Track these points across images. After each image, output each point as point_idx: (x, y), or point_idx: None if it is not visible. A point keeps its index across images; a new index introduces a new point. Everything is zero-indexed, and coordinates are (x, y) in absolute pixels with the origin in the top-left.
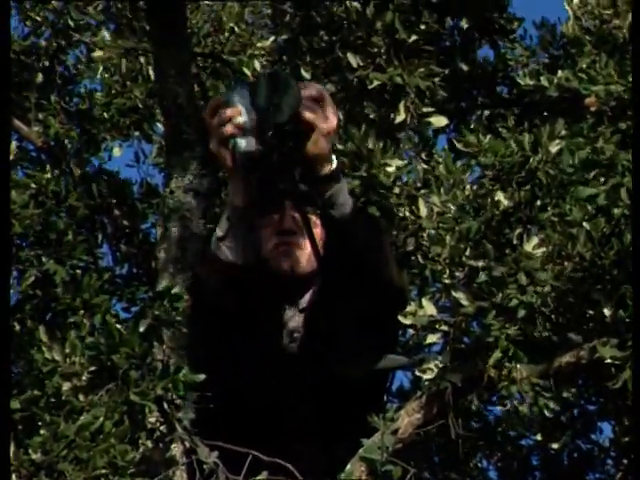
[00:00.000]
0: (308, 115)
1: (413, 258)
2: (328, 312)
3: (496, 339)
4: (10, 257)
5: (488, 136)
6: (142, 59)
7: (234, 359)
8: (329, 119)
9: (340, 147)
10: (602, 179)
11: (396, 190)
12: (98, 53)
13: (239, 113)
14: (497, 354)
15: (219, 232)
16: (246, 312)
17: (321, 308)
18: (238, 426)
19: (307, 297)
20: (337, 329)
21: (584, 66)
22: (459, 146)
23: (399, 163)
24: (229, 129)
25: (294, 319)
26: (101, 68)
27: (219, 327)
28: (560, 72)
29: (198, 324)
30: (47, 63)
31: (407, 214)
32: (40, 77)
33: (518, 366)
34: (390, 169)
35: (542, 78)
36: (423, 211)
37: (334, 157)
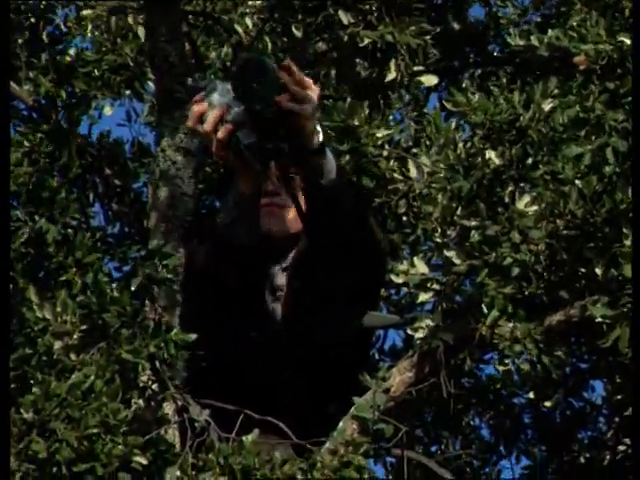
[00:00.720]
0: (288, 105)
1: (405, 218)
2: (311, 275)
3: (492, 298)
4: (8, 220)
5: (477, 95)
6: (131, 17)
7: (226, 323)
8: (309, 96)
9: (326, 123)
10: (593, 137)
11: (385, 153)
12: (87, 11)
13: (226, 111)
14: (494, 313)
15: (228, 218)
16: (245, 285)
17: (304, 270)
18: (229, 385)
19: (290, 256)
20: (320, 294)
21: (574, 24)
22: (448, 106)
23: (386, 132)
24: (224, 130)
25: (278, 277)
26: (90, 26)
27: (214, 297)
28: (550, 31)
29: (192, 293)
30: (34, 21)
31: (397, 176)
32: (28, 35)
33: (518, 325)
34: (379, 134)
35: (532, 37)
36: (413, 172)
37: (319, 127)
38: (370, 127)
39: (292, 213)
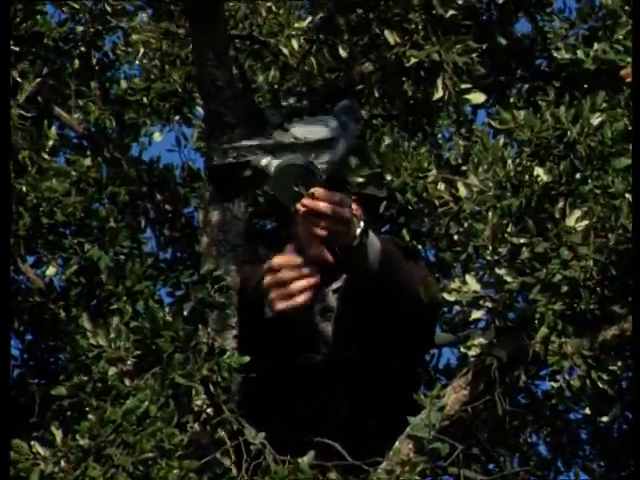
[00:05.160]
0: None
1: (456, 237)
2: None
3: (542, 315)
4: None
5: (523, 112)
6: (179, 42)
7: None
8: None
9: (365, 173)
10: None
11: (430, 178)
12: (137, 36)
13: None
14: (544, 330)
15: None
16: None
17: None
18: (283, 407)
19: (342, 278)
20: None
21: (620, 37)
22: (495, 124)
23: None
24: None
25: (329, 298)
26: (140, 52)
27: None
28: (597, 44)
29: (246, 316)
30: (84, 49)
31: (447, 197)
32: (77, 63)
33: (567, 340)
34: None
35: (579, 51)
36: (462, 191)
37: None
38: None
39: None
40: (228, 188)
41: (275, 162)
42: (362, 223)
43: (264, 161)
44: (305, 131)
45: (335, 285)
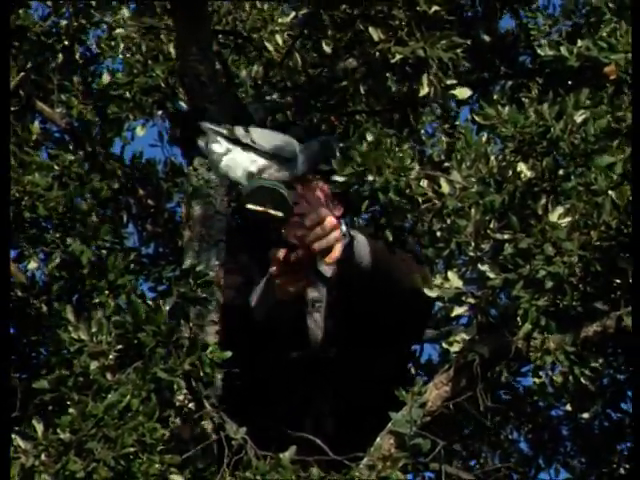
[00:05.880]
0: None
1: (439, 233)
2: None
3: (525, 311)
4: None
5: (507, 108)
6: (163, 37)
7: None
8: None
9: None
10: (626, 147)
11: (413, 175)
12: (120, 30)
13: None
14: (527, 326)
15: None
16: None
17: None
18: (265, 402)
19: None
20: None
21: (604, 34)
22: (478, 119)
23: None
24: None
25: (316, 289)
26: (122, 46)
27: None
28: (580, 41)
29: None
30: (67, 43)
31: (430, 194)
32: (61, 57)
33: (549, 336)
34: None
35: (562, 48)
36: (445, 188)
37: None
38: (396, 158)
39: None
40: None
41: (245, 181)
42: (344, 227)
43: (219, 147)
44: (267, 141)
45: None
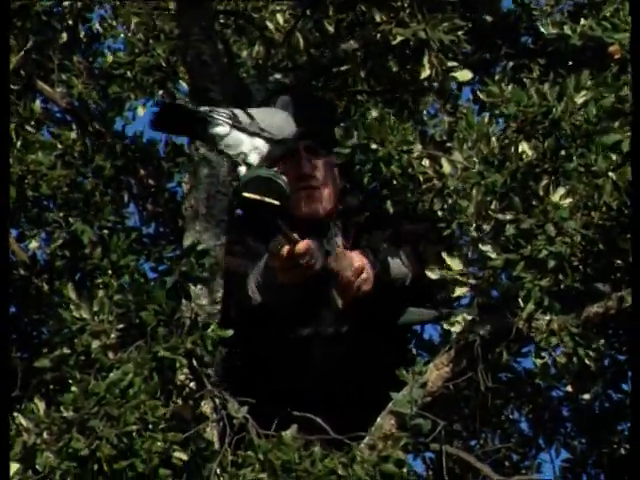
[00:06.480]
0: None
1: (440, 214)
2: None
3: (528, 291)
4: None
5: (510, 86)
6: (164, 17)
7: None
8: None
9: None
10: (627, 127)
11: (415, 154)
12: (122, 10)
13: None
14: (530, 306)
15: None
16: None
17: None
18: (267, 382)
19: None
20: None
21: (608, 14)
22: (482, 97)
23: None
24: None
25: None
26: (122, 23)
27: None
28: (584, 21)
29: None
30: (71, 22)
31: (431, 173)
32: (64, 37)
33: (554, 317)
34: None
35: (565, 27)
36: (447, 168)
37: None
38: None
39: (327, 192)
40: (169, 124)
41: (242, 170)
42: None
43: (220, 130)
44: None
45: (328, 246)
